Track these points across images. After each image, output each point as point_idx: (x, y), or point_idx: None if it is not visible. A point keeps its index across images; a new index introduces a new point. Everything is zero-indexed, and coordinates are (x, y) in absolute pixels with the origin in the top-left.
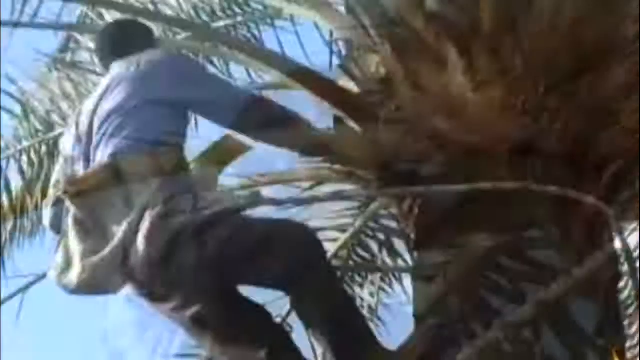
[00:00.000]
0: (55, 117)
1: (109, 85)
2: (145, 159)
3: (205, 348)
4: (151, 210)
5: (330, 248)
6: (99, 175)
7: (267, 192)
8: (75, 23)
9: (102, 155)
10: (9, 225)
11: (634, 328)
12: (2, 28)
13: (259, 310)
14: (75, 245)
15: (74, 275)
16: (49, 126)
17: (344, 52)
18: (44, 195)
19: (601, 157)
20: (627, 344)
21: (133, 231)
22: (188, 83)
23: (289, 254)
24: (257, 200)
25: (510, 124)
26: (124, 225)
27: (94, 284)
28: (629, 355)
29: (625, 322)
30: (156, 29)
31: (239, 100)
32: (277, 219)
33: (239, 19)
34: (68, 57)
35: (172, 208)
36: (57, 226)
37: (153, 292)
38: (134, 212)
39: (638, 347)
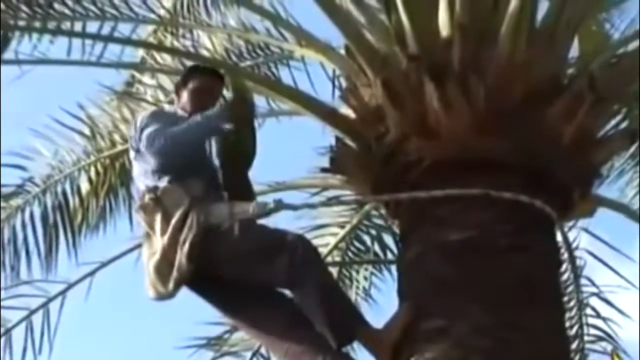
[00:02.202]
0: (116, 137)
1: None
2: (171, 190)
3: (230, 319)
4: (196, 218)
5: (331, 241)
6: (142, 200)
7: (284, 195)
8: (133, 63)
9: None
10: (79, 220)
11: (572, 303)
12: (76, 67)
13: (280, 293)
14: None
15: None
16: (112, 144)
17: (344, 86)
18: (108, 199)
19: (547, 169)
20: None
21: (170, 244)
22: (142, 136)
23: (290, 256)
24: (279, 206)
25: (475, 142)
26: (165, 240)
27: (153, 293)
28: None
29: (565, 298)
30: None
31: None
32: (284, 231)
33: (261, 59)
34: (127, 89)
35: (212, 214)
36: None
37: (192, 283)
38: (171, 229)
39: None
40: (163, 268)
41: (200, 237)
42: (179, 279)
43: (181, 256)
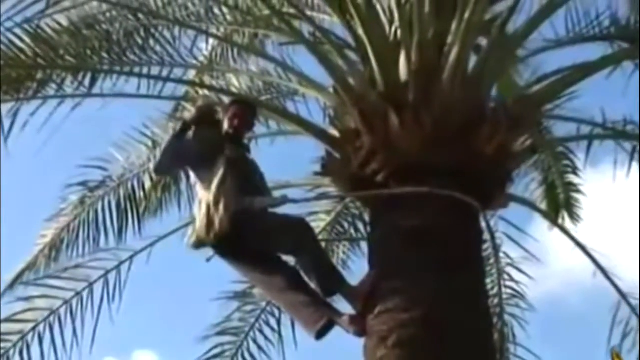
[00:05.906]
0: None
1: None
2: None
3: (249, 279)
4: (227, 203)
5: (321, 224)
6: None
7: (288, 191)
8: (182, 96)
9: None
10: (142, 207)
11: (493, 271)
12: (143, 99)
13: (284, 261)
14: None
15: None
16: None
17: (332, 114)
18: (164, 192)
19: (475, 174)
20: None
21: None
22: None
23: (295, 234)
24: (284, 200)
25: (424, 155)
26: (200, 205)
27: (192, 240)
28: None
29: (488, 268)
30: (226, 100)
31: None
32: (290, 215)
33: (274, 95)
34: (177, 113)
35: (240, 202)
36: None
37: (224, 251)
38: (200, 208)
39: (497, 283)
40: (207, 223)
41: (234, 209)
42: (219, 232)
43: (223, 217)
